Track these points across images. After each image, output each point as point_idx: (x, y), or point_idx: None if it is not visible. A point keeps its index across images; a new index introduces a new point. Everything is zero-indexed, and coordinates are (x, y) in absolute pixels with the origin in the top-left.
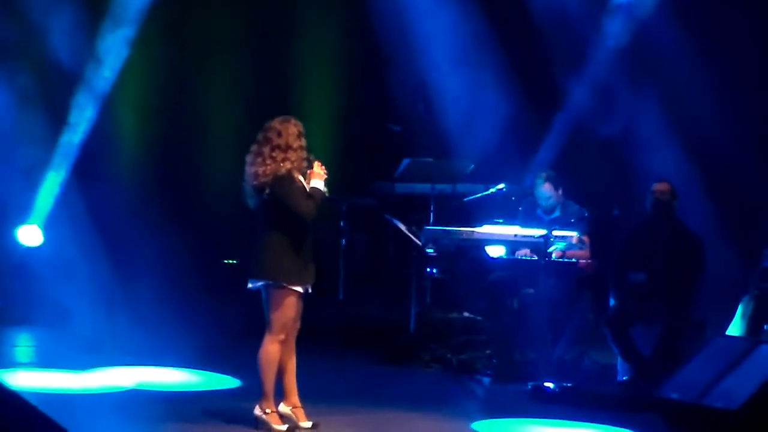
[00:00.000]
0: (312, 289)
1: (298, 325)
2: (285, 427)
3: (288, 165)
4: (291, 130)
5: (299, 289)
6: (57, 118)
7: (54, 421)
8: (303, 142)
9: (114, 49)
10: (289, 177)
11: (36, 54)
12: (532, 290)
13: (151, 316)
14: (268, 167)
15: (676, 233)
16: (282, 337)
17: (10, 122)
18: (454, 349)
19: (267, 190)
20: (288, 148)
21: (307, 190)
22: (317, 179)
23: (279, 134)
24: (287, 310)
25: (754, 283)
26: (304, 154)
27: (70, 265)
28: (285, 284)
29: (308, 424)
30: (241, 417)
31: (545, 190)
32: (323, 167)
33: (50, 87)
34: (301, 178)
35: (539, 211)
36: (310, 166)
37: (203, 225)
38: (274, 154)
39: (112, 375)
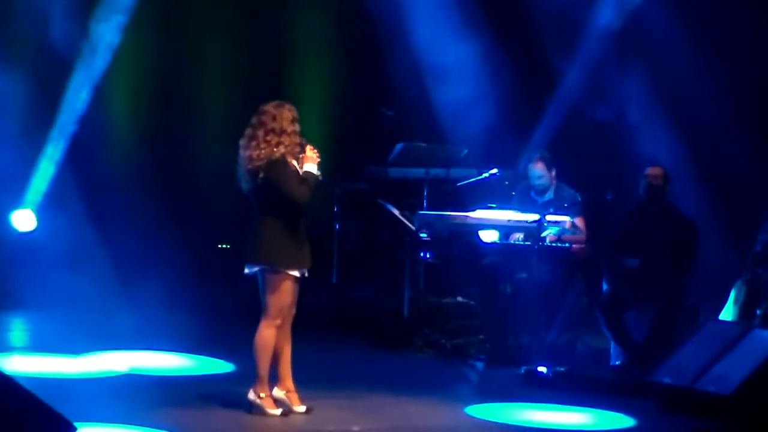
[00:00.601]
0: (306, 274)
1: (293, 310)
2: (279, 411)
3: (282, 149)
4: (285, 114)
5: (295, 273)
6: (51, 103)
7: (48, 406)
8: (297, 127)
9: (107, 34)
10: (282, 161)
11: (30, 39)
12: (525, 275)
13: (145, 300)
14: (263, 151)
15: (668, 218)
16: (278, 321)
17: (3, 107)
18: (448, 333)
19: (261, 174)
20: (282, 132)
21: (301, 174)
22: (310, 163)
23: (273, 118)
24: (283, 294)
25: (746, 268)
26: (298, 139)
27: (63, 249)
28: (281, 269)
29: (302, 408)
30: (236, 401)
31: (538, 169)
32: (316, 151)
33: (44, 72)
34: (294, 162)
35: (532, 193)
36: (303, 151)
37: (197, 209)
38: (268, 138)
39: (106, 359)
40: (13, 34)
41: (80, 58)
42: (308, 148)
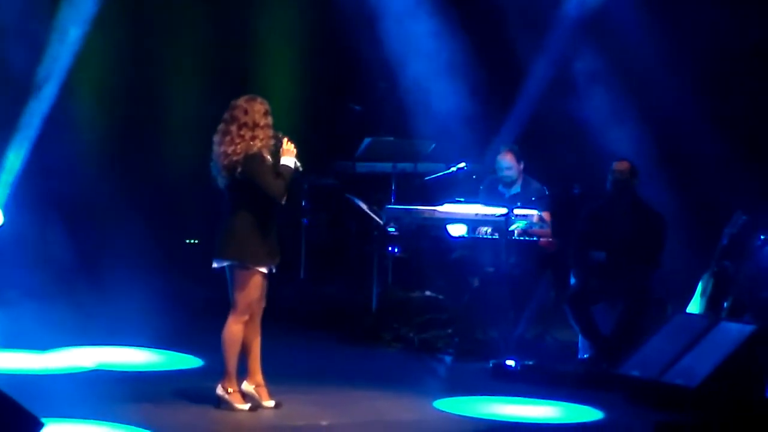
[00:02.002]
0: (275, 269)
1: (263, 304)
2: (247, 406)
3: (258, 143)
4: (257, 107)
5: (264, 269)
6: (17, 99)
7: (15, 402)
8: (270, 120)
9: (74, 28)
10: (260, 156)
11: None
12: (492, 269)
13: (113, 295)
14: (238, 146)
15: (636, 211)
16: (246, 317)
17: None
18: (416, 327)
19: (239, 169)
20: (255, 126)
21: (278, 168)
22: (288, 156)
23: (245, 112)
24: (252, 290)
25: (713, 261)
26: (271, 132)
27: (30, 245)
28: (250, 265)
29: (271, 403)
30: (204, 396)
31: (506, 160)
32: (292, 143)
33: (10, 67)
34: (269, 157)
35: (500, 187)
36: (279, 144)
37: (165, 204)
38: (242, 133)
39: (73, 355)
40: None
41: (46, 52)
42: (285, 140)
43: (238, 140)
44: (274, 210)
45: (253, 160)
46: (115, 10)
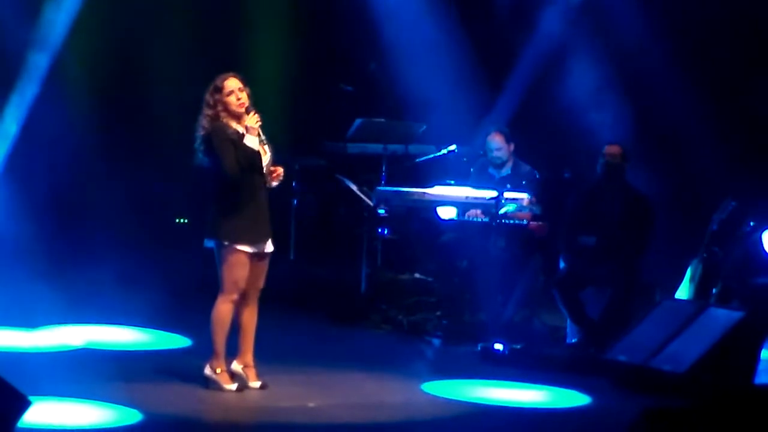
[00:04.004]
0: (266, 249)
1: (259, 285)
2: (235, 386)
3: (222, 118)
4: (224, 84)
5: (246, 248)
6: (9, 73)
7: (3, 379)
8: (238, 93)
9: (63, 6)
10: (218, 129)
11: None
12: (465, 262)
13: (101, 274)
14: (204, 122)
15: (626, 196)
16: (234, 296)
17: None
18: (405, 310)
19: (203, 146)
20: (217, 102)
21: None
22: (250, 136)
23: (214, 89)
24: (235, 269)
25: (702, 247)
26: (237, 105)
27: (19, 223)
28: (228, 243)
29: (257, 384)
30: (192, 376)
31: (496, 141)
32: (258, 117)
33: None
34: (238, 128)
35: (490, 169)
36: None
37: (154, 183)
38: (206, 111)
39: (62, 333)
40: None
41: (34, 35)
42: (249, 116)
43: (204, 118)
44: (253, 188)
45: (211, 135)
46: None
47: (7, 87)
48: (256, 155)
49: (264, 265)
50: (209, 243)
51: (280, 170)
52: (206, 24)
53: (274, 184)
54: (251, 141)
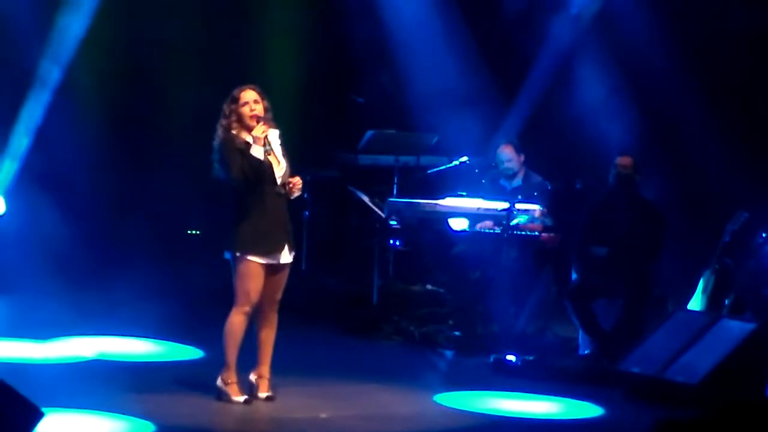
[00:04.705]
0: (282, 261)
1: (277, 297)
2: (243, 398)
3: (233, 130)
4: (240, 95)
5: (258, 260)
6: (19, 88)
7: (16, 391)
8: (252, 105)
9: (77, 14)
10: (228, 138)
11: None
12: (477, 274)
13: (113, 285)
14: (219, 129)
15: (638, 207)
16: (246, 308)
17: None
18: (417, 321)
19: (218, 157)
20: (231, 112)
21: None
22: (256, 145)
23: (230, 100)
24: (247, 280)
25: (715, 258)
26: (249, 115)
27: (32, 234)
28: (239, 254)
29: (265, 395)
30: (205, 387)
31: (506, 153)
32: (265, 125)
33: (11, 56)
34: (248, 138)
35: (502, 180)
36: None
37: (166, 194)
38: (222, 122)
39: (73, 345)
40: None
41: (47, 47)
42: (257, 126)
43: (218, 129)
44: (267, 200)
45: (221, 146)
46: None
47: (19, 98)
48: (262, 165)
49: (281, 277)
50: (226, 254)
51: (297, 180)
52: (219, 36)
53: (295, 194)
54: (257, 151)
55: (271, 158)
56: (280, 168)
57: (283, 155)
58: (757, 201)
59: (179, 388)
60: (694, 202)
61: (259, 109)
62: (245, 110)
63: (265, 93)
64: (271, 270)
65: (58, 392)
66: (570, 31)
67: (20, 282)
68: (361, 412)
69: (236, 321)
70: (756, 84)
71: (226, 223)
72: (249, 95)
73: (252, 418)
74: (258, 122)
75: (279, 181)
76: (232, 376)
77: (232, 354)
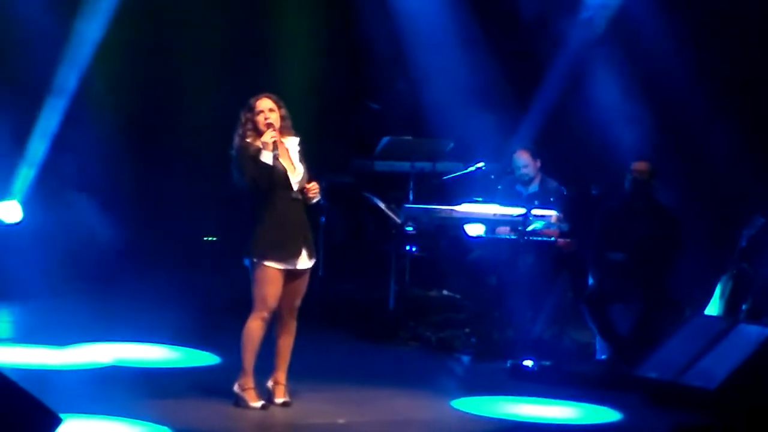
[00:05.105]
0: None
1: (296, 303)
2: (260, 404)
3: (248, 138)
4: (255, 104)
5: (275, 265)
6: (36, 95)
7: (34, 397)
8: (267, 113)
9: (94, 20)
10: (242, 146)
11: (13, 23)
12: (493, 279)
13: (131, 292)
14: (236, 137)
15: (654, 212)
16: (264, 314)
17: None
18: (433, 327)
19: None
20: (247, 120)
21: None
22: (266, 151)
23: (246, 107)
24: (263, 286)
25: (732, 263)
26: (263, 123)
27: (49, 241)
28: (256, 259)
29: (281, 400)
30: (221, 393)
31: (523, 158)
32: (275, 131)
33: (30, 63)
34: (255, 148)
35: (518, 186)
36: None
37: (184, 201)
38: (239, 130)
39: (91, 351)
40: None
41: (65, 49)
42: (266, 133)
43: (234, 137)
44: (283, 205)
45: (237, 154)
46: (132, 9)
47: (36, 105)
48: (273, 170)
49: (300, 283)
50: (246, 261)
51: (314, 186)
52: (236, 42)
53: (312, 200)
54: (266, 156)
55: (285, 164)
56: (296, 174)
57: (301, 161)
58: None
59: (196, 394)
60: (710, 207)
61: (273, 117)
62: (260, 118)
63: (282, 101)
64: (290, 276)
65: (76, 398)
66: (585, 36)
67: (37, 288)
68: (378, 418)
69: (254, 327)
70: None
71: (243, 230)
72: (264, 104)
73: (269, 423)
74: (267, 128)
75: (295, 186)
76: (249, 382)
77: (249, 360)
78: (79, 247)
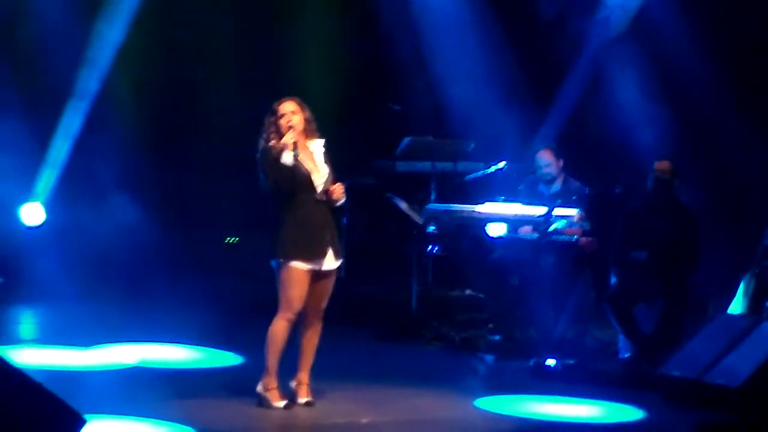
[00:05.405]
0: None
1: (322, 304)
2: (283, 404)
3: (271, 140)
4: (278, 108)
5: (301, 266)
6: (59, 93)
7: (59, 398)
8: (289, 116)
9: (115, 23)
10: (265, 149)
11: (36, 27)
12: (516, 279)
13: (154, 293)
14: (260, 141)
15: (676, 212)
16: (289, 315)
17: (12, 97)
18: (457, 326)
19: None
20: (270, 124)
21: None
22: (286, 151)
23: (270, 111)
24: (290, 287)
25: (755, 261)
26: (285, 126)
27: (72, 242)
28: (282, 260)
29: (304, 400)
30: (244, 393)
31: (545, 158)
32: (294, 134)
33: (52, 67)
34: (276, 151)
35: (540, 186)
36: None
37: (206, 202)
38: (263, 134)
39: (115, 352)
40: (20, 32)
41: (86, 51)
42: (286, 134)
43: (259, 143)
44: (308, 206)
45: (261, 156)
46: (153, 11)
47: (58, 107)
48: (294, 171)
49: (326, 284)
50: (272, 262)
51: (338, 187)
52: (257, 44)
53: (338, 201)
54: (286, 157)
55: (310, 166)
56: (320, 176)
57: (326, 163)
58: None
59: (220, 394)
60: (733, 205)
61: (296, 119)
62: (283, 121)
63: (305, 104)
64: (316, 276)
65: (100, 399)
66: (605, 35)
67: (61, 290)
68: (402, 417)
69: (279, 328)
70: None
71: (267, 232)
72: (287, 107)
73: (292, 423)
74: (290, 131)
75: (320, 188)
76: (272, 382)
77: (272, 360)
78: (107, 248)
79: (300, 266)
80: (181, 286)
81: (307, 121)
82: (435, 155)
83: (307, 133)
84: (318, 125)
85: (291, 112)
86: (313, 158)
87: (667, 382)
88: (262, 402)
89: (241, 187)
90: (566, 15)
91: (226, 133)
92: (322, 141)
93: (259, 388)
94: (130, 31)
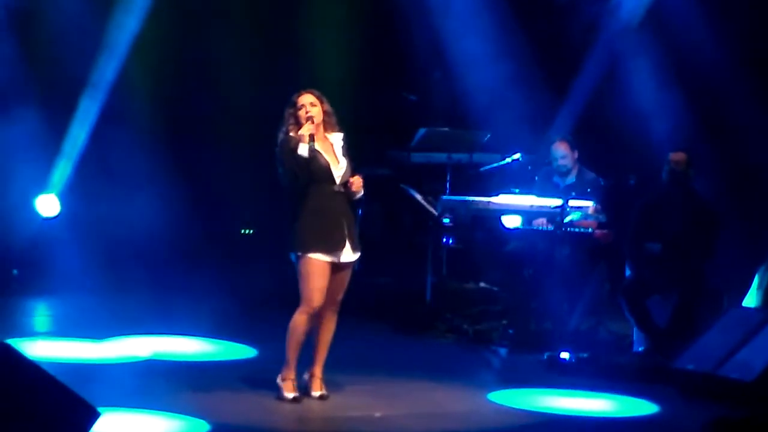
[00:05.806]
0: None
1: (338, 297)
2: (292, 395)
3: (292, 129)
4: (294, 97)
5: (320, 257)
6: (75, 86)
7: (72, 391)
8: (306, 107)
9: (131, 14)
10: (283, 141)
11: (51, 16)
12: (530, 271)
13: (169, 285)
14: (280, 133)
15: (691, 203)
16: (310, 308)
17: (27, 88)
18: (470, 319)
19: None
20: (290, 116)
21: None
22: (302, 143)
23: (289, 103)
24: (310, 279)
25: None
26: (303, 117)
27: (87, 234)
28: (300, 252)
29: (317, 393)
30: (259, 386)
31: (561, 149)
32: (311, 126)
33: (68, 58)
34: (294, 142)
35: (555, 178)
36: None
37: (221, 194)
38: (283, 123)
39: (129, 344)
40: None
41: (102, 42)
42: (303, 126)
43: (278, 136)
44: (325, 198)
45: (279, 149)
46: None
47: (74, 99)
48: (310, 162)
49: (343, 276)
50: (291, 256)
51: (356, 179)
52: (273, 35)
53: (357, 195)
54: (302, 149)
55: (329, 158)
56: (339, 168)
57: (345, 156)
58: None
59: (234, 387)
60: (747, 197)
61: (315, 111)
62: (301, 113)
63: (324, 97)
64: (334, 269)
65: (114, 392)
66: (620, 25)
67: (75, 282)
68: (415, 411)
69: (299, 321)
70: None
71: (282, 224)
72: (305, 99)
73: (306, 416)
74: (308, 122)
75: (338, 180)
76: (290, 374)
77: (292, 353)
78: (123, 239)
79: (320, 258)
80: (195, 278)
81: (326, 113)
82: (450, 146)
83: (327, 126)
84: (335, 116)
85: (310, 104)
86: (332, 150)
87: (681, 375)
88: (280, 392)
89: (257, 178)
90: (581, 3)
91: (243, 124)
92: (341, 134)
93: (279, 378)
94: (146, 20)
